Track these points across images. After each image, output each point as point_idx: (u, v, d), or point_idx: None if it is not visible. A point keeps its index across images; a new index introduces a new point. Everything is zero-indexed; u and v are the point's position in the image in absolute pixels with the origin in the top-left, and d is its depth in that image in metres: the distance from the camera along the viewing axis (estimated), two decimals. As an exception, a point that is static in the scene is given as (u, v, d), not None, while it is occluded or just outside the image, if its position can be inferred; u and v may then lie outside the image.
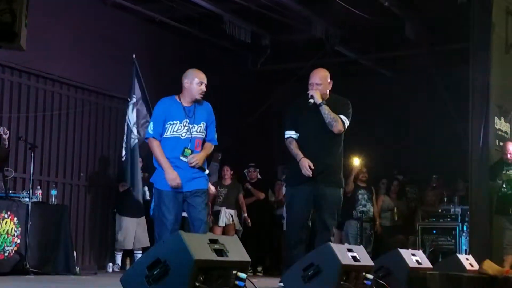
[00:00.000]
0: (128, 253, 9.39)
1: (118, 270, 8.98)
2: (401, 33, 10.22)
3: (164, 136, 5.27)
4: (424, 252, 8.45)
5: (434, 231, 9.58)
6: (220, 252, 4.10)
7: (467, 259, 7.34)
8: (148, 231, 9.20)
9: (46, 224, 7.27)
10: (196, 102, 5.36)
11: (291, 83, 11.24)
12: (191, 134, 5.27)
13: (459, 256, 7.48)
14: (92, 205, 9.63)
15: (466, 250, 9.05)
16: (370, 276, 5.53)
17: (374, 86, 11.89)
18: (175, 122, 5.27)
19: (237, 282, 4.17)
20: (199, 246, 3.95)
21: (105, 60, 9.59)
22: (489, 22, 8.88)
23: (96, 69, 9.51)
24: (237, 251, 4.31)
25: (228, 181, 9.85)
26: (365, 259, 5.73)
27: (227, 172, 9.84)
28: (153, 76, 10.42)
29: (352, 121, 12.47)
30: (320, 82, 6.01)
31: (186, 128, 5.26)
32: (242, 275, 4.23)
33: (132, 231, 9.09)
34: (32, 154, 7.39)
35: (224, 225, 9.60)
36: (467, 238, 9.35)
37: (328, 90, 6.09)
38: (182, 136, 5.26)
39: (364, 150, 10.59)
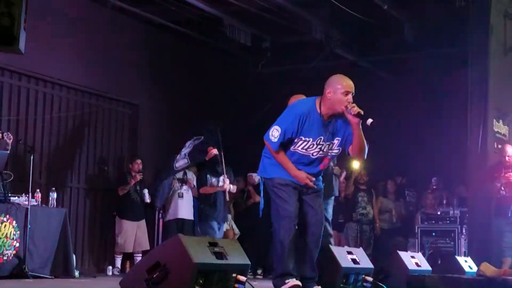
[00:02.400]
0: (128, 256, 9.38)
1: (118, 274, 8.96)
2: (400, 36, 10.24)
3: (292, 149, 4.56)
4: (424, 254, 8.47)
5: (434, 234, 9.59)
6: (220, 255, 4.12)
7: (466, 261, 7.36)
8: (148, 234, 9.21)
9: (45, 227, 7.26)
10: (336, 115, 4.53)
11: (292, 85, 11.23)
12: (324, 153, 4.59)
13: (458, 258, 7.51)
14: (92, 208, 9.63)
15: (465, 252, 9.06)
16: (369, 279, 5.56)
17: (374, 89, 11.88)
18: (308, 139, 4.51)
19: (237, 285, 4.19)
20: (199, 249, 3.96)
21: (105, 63, 9.60)
22: (487, 26, 8.91)
23: (96, 72, 9.52)
24: (236, 254, 4.33)
25: None
26: (365, 262, 5.75)
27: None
28: (153, 78, 10.44)
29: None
30: None
31: (319, 147, 4.54)
32: (242, 278, 4.24)
33: (132, 234, 9.09)
34: (32, 157, 7.38)
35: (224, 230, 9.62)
36: (466, 240, 9.36)
37: None
38: (312, 155, 4.57)
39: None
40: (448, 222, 9.58)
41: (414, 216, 10.51)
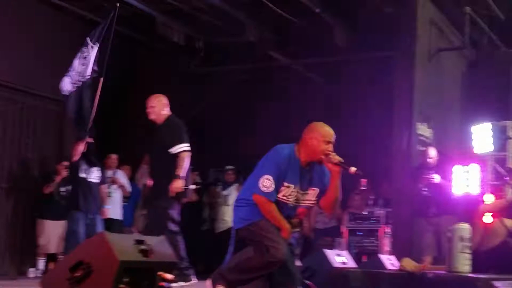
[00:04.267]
0: (52, 258, 9.13)
1: (40, 276, 8.71)
2: (332, 40, 10.44)
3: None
4: (350, 253, 8.67)
5: (360, 233, 9.82)
6: (145, 253, 4.13)
7: (389, 259, 7.60)
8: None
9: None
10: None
11: (224, 86, 11.33)
12: (298, 202, 4.44)
13: (381, 256, 7.74)
14: (13, 209, 9.34)
15: (388, 251, 9.33)
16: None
17: (306, 92, 12.08)
18: (290, 185, 4.35)
19: (163, 283, 4.22)
20: (124, 247, 3.97)
21: (32, 59, 9.39)
22: (413, 31, 9.21)
23: (18, 67, 9.25)
24: (163, 252, 4.36)
25: None
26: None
27: None
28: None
29: (282, 124, 12.58)
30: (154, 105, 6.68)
31: (295, 194, 4.40)
32: (168, 276, 4.28)
33: (55, 234, 8.87)
34: None
35: None
36: (390, 239, 9.61)
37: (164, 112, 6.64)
38: (290, 204, 4.41)
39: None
40: (373, 221, 9.82)
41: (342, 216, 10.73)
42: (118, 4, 7.44)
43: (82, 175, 7.87)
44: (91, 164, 7.95)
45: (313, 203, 4.46)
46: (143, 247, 4.15)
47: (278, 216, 4.31)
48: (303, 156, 4.36)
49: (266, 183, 4.25)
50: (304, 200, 4.40)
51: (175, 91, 11.69)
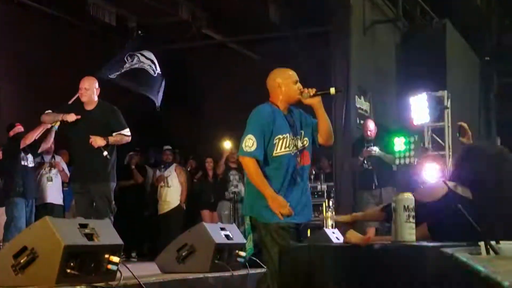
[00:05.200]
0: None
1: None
2: (266, 16, 10.39)
3: (274, 155, 4.17)
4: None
5: (303, 208, 9.86)
6: (91, 236, 4.02)
7: (333, 233, 7.66)
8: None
9: None
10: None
11: (160, 66, 11.11)
12: (300, 148, 4.26)
13: (326, 230, 7.80)
14: None
15: (332, 225, 9.41)
16: (243, 254, 5.63)
17: (241, 69, 12.02)
18: (285, 135, 4.20)
19: (110, 266, 4.11)
20: (68, 232, 3.85)
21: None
22: (348, 5, 9.24)
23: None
24: (108, 235, 4.25)
25: None
26: (238, 237, 5.83)
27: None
28: (13, 60, 9.97)
29: (220, 103, 12.57)
30: (88, 88, 6.37)
31: (294, 142, 4.24)
32: (115, 258, 4.17)
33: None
34: None
35: None
36: (333, 213, 9.70)
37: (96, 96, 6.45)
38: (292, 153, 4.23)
39: (234, 132, 10.73)
40: (316, 196, 9.88)
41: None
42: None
43: (23, 162, 7.81)
44: (27, 151, 7.88)
45: (308, 143, 4.31)
46: (87, 231, 4.04)
47: (262, 182, 4.11)
48: (281, 104, 4.27)
49: (248, 142, 4.13)
50: (302, 144, 4.27)
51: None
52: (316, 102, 4.19)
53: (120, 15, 10.59)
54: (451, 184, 3.74)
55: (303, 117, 4.30)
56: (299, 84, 4.26)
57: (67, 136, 6.56)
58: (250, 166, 4.13)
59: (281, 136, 4.17)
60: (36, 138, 7.72)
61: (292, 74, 4.31)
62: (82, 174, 6.29)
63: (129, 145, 6.99)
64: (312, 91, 4.19)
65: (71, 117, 6.21)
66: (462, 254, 2.17)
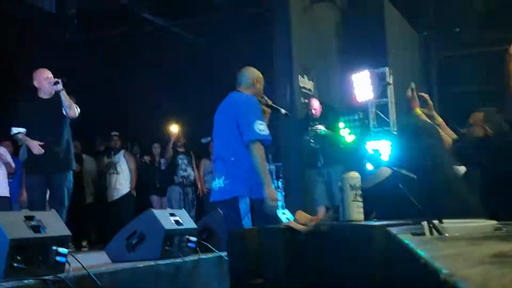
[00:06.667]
0: None
1: None
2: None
3: None
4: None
5: (252, 190, 9.88)
6: (37, 228, 3.96)
7: (283, 213, 7.72)
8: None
9: None
10: None
11: (103, 52, 10.98)
12: None
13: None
14: None
15: (282, 205, 9.49)
16: (193, 239, 5.63)
17: (184, 52, 11.95)
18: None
19: (58, 258, 4.06)
20: (13, 225, 3.79)
21: None
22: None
23: None
24: (55, 226, 4.19)
25: None
26: (188, 223, 5.82)
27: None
28: None
29: (164, 88, 12.48)
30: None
31: None
32: (63, 250, 4.12)
33: None
34: None
35: None
36: (283, 194, 9.77)
37: None
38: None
39: (180, 116, 10.69)
40: (265, 177, 9.91)
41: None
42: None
43: None
44: None
45: None
46: (33, 223, 3.98)
47: (265, 168, 4.52)
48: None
49: (261, 126, 4.47)
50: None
51: (54, 62, 11.29)
52: (268, 112, 4.82)
53: (59, 1, 10.35)
54: (395, 167, 3.80)
55: None
56: (262, 88, 4.82)
57: (23, 126, 6.43)
58: (260, 149, 4.44)
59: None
60: None
61: (262, 77, 4.86)
62: (43, 163, 6.23)
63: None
64: (269, 101, 4.84)
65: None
66: (405, 236, 2.22)
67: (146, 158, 10.71)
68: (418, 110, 4.64)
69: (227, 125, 4.65)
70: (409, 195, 2.70)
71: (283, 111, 4.87)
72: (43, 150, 6.24)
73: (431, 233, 2.24)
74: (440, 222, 2.26)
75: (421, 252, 1.56)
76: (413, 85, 4.79)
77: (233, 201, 4.59)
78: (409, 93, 4.73)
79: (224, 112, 4.77)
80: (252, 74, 4.84)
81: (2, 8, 10.31)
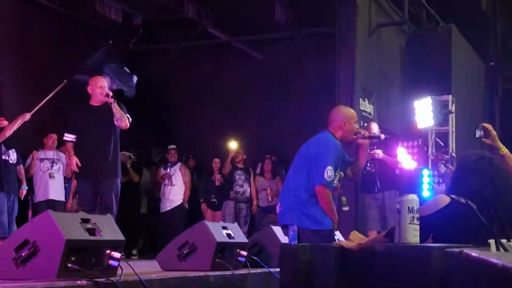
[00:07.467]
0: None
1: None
2: (272, 16, 10.38)
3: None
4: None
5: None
6: (92, 231, 4.01)
7: (335, 235, 7.63)
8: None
9: None
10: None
11: (165, 64, 11.14)
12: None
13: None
14: None
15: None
16: (244, 253, 5.62)
17: (246, 69, 12.01)
18: (341, 172, 4.64)
19: (110, 262, 4.10)
20: (70, 226, 3.84)
21: None
22: (353, 6, 9.22)
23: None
24: (110, 230, 4.23)
25: None
26: (240, 237, 5.81)
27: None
28: (18, 54, 9.97)
29: (226, 104, 12.51)
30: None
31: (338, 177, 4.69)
32: (116, 254, 4.16)
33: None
34: None
35: None
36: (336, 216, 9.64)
37: None
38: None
39: (241, 132, 10.72)
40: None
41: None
42: (111, 42, 7.75)
43: (4, 156, 7.86)
44: (8, 146, 7.94)
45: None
46: (89, 225, 4.03)
47: (333, 207, 4.62)
48: (339, 140, 4.64)
49: (330, 173, 4.47)
50: (340, 178, 4.69)
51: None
52: (366, 144, 4.68)
53: (126, 12, 10.58)
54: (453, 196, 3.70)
55: (346, 155, 4.65)
56: (357, 124, 4.68)
57: (74, 132, 6.53)
58: (327, 194, 4.52)
59: (338, 171, 4.55)
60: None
61: (354, 115, 4.73)
62: (91, 170, 6.30)
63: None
64: (366, 133, 4.68)
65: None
66: (471, 250, 2.15)
67: (204, 172, 10.75)
68: (504, 149, 4.59)
69: (303, 160, 4.72)
70: (476, 211, 2.62)
71: (382, 136, 4.79)
72: (77, 170, 6.33)
73: (497, 250, 2.16)
74: (508, 240, 2.19)
75: (496, 260, 1.48)
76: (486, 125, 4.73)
77: (283, 227, 4.80)
78: (481, 132, 4.67)
79: (307, 147, 4.80)
80: (340, 115, 4.69)
81: (74, 16, 10.59)
